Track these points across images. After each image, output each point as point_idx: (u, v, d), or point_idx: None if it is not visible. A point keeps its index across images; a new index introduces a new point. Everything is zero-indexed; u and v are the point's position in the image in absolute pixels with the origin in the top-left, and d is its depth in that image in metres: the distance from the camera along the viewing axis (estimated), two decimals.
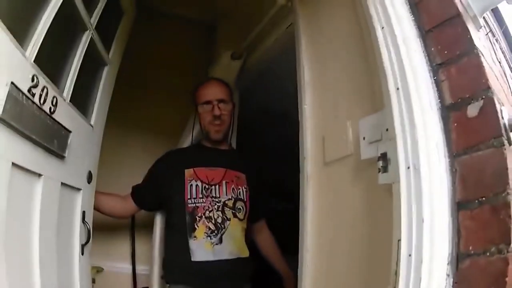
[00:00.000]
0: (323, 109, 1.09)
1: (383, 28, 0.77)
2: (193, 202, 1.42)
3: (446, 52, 0.73)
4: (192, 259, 1.36)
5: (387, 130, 0.77)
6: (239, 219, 1.46)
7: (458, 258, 0.61)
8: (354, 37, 0.98)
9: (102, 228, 1.57)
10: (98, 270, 1.69)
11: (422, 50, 0.74)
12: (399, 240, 0.67)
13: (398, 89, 0.70)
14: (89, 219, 1.24)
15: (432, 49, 0.74)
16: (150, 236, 1.68)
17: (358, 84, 0.95)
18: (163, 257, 1.54)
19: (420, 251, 0.62)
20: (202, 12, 2.30)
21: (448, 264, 0.60)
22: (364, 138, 0.82)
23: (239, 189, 1.50)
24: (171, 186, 1.46)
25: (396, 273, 0.62)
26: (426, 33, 0.76)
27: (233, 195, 1.47)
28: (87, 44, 1.16)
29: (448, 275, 0.60)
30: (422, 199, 0.64)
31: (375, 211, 0.81)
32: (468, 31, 0.71)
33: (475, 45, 0.70)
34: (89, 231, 1.21)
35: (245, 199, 1.50)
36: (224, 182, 1.48)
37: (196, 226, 1.39)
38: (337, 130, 0.98)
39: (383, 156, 0.74)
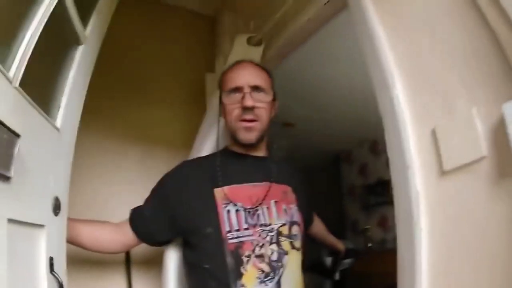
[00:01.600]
0: (426, 96, 0.77)
1: None
2: (236, 236, 0.99)
3: None
4: None
5: None
6: (297, 250, 1.06)
7: None
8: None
9: (86, 263, 1.17)
10: None
11: None
12: None
13: None
14: (61, 267, 0.83)
15: None
16: (154, 273, 1.26)
17: (478, 57, 0.66)
18: None
19: None
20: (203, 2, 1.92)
21: None
22: None
23: (291, 208, 1.09)
24: (196, 213, 1.03)
25: None
26: None
27: (287, 218, 1.06)
28: (52, 8, 0.76)
29: None
30: None
31: None
32: None
33: None
34: (61, 285, 0.80)
35: (298, 222, 1.09)
36: (272, 202, 1.06)
37: (243, 271, 0.97)
38: (455, 123, 0.69)
39: None
